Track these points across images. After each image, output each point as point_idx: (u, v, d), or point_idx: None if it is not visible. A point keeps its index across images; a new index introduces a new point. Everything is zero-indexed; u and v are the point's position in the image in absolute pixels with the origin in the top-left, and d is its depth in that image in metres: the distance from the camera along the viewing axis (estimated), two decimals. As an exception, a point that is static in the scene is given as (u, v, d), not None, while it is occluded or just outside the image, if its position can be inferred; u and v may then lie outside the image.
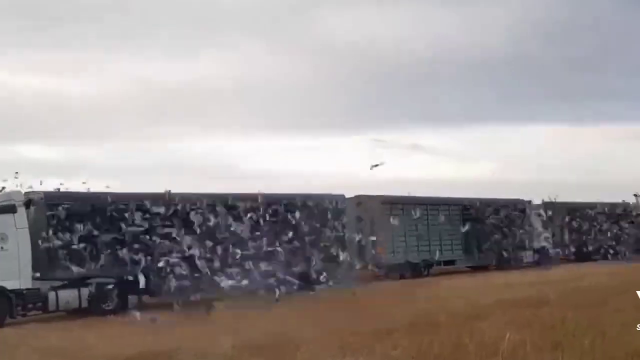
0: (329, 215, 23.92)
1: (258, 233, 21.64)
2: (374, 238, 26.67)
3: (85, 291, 18.40)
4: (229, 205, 21.46)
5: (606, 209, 36.72)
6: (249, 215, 21.64)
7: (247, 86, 49.04)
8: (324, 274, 22.97)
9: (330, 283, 22.92)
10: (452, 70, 52.66)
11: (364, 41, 47.91)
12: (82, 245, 18.57)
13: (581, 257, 34.21)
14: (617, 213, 37.14)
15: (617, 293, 15.66)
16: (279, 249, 21.86)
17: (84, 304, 18.39)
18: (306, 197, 23.53)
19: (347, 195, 25.84)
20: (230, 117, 48.43)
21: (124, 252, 19.19)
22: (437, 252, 28.79)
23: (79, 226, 18.67)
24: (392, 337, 10.69)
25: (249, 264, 21.00)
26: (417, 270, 27.89)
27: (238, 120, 48.99)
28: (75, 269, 18.34)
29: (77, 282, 18.47)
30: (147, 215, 19.87)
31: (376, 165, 24.65)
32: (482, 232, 30.75)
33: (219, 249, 20.70)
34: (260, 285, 20.52)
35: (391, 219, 27.34)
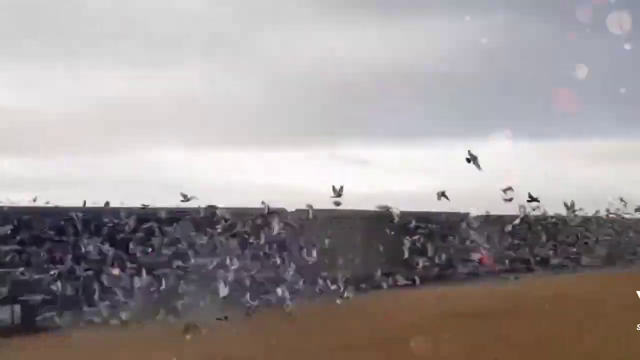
0: (272, 230, 23.80)
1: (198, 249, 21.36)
2: (308, 254, 26.49)
3: (17, 308, 17.91)
4: (174, 218, 21.18)
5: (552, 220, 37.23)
6: (191, 230, 21.33)
7: (202, 101, 48.60)
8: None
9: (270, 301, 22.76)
10: (405, 85, 52.99)
11: (318, 57, 47.80)
12: (13, 260, 18.00)
13: (514, 269, 34.80)
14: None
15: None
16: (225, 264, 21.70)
17: (17, 321, 17.89)
18: (246, 211, 23.34)
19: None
20: (185, 130, 47.82)
21: (60, 267, 18.64)
22: (373, 267, 28.76)
23: (11, 241, 18.13)
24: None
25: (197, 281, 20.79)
26: (354, 285, 27.78)
27: (193, 134, 48.44)
28: (6, 285, 17.73)
29: (10, 299, 17.87)
30: (87, 229, 19.41)
31: (472, 160, 22.94)
32: (418, 245, 30.88)
33: (166, 265, 20.40)
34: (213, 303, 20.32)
35: (324, 233, 27.18)
